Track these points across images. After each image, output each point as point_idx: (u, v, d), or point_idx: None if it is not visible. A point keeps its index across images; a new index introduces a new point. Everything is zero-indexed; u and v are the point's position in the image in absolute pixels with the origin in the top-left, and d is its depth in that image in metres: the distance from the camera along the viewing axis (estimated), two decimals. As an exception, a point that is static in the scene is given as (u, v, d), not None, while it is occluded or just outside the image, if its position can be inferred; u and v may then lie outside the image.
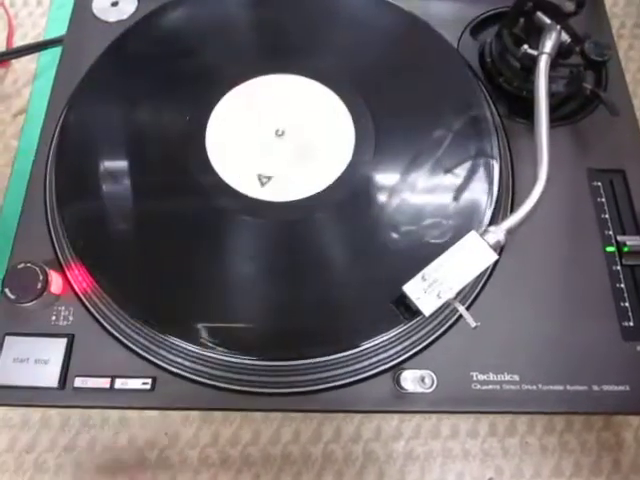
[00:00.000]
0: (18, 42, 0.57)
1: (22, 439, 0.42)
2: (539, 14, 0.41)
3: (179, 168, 0.40)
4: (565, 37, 0.40)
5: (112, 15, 0.48)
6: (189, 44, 0.45)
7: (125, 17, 0.48)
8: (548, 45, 0.39)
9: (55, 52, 0.53)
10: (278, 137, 0.41)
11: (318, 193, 0.39)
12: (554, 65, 0.40)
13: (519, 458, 0.43)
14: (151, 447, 0.41)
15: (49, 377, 0.34)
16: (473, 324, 0.32)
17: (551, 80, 0.39)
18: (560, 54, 0.40)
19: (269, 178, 0.39)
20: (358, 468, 0.42)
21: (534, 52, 0.40)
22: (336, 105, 0.42)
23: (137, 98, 0.43)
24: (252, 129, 0.41)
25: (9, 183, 0.50)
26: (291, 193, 0.39)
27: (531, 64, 0.40)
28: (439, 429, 0.43)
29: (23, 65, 0.56)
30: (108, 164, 0.40)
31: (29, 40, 0.57)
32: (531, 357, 0.36)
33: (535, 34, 0.41)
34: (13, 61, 0.56)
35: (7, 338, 0.35)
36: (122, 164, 0.40)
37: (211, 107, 0.42)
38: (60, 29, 0.55)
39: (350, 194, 0.39)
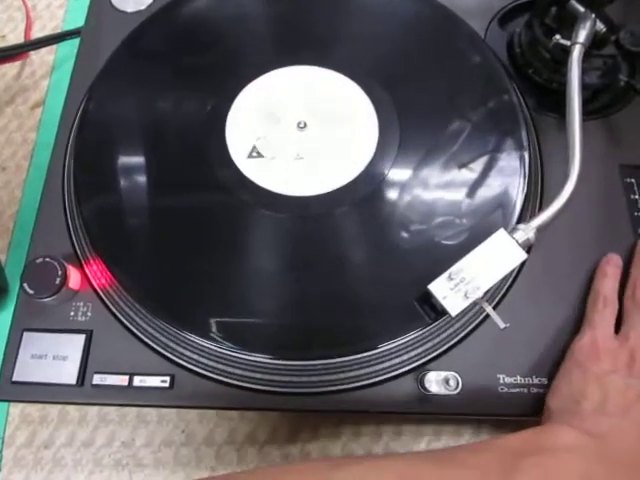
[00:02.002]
0: (36, 34, 0.57)
1: (41, 434, 0.42)
2: (572, 2, 0.39)
3: (199, 162, 0.39)
4: (600, 26, 0.38)
5: (130, 5, 0.48)
6: (209, 35, 0.45)
7: (143, 7, 0.47)
8: (582, 35, 0.37)
9: (73, 44, 0.52)
10: (300, 130, 0.40)
11: (340, 188, 0.38)
12: (587, 56, 0.39)
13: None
14: (168, 444, 0.41)
15: (67, 374, 0.34)
16: (502, 325, 0.31)
17: (583, 72, 0.38)
18: (594, 44, 0.39)
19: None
20: (378, 469, 0.41)
21: (566, 43, 0.38)
22: (359, 98, 0.41)
23: (156, 90, 0.42)
24: (273, 121, 0.40)
25: (27, 176, 0.50)
26: (312, 188, 0.38)
27: (563, 55, 0.39)
28: (460, 429, 0.42)
29: (41, 57, 0.56)
30: (127, 157, 0.40)
31: (47, 32, 0.57)
32: (560, 360, 0.35)
33: (567, 23, 0.39)
34: (31, 53, 0.56)
35: (25, 334, 0.35)
36: (141, 157, 0.40)
37: (232, 99, 0.41)
38: (78, 20, 0.54)
39: (373, 189, 0.38)
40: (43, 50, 0.55)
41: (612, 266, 0.37)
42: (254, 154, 0.39)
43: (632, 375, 0.32)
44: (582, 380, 0.32)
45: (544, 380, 0.35)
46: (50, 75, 0.55)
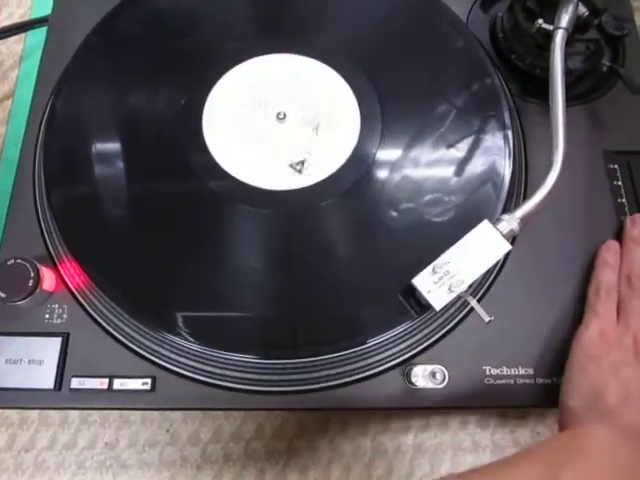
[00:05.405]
0: (3, 22, 0.54)
1: (21, 438, 0.41)
2: (554, -15, 0.38)
3: (175, 155, 0.38)
4: (582, 10, 0.38)
5: (100, -8, 0.45)
6: (183, 22, 0.43)
7: (114, -7, 0.45)
8: (565, 19, 0.37)
9: (43, 32, 0.50)
10: (279, 121, 0.39)
11: (322, 181, 0.37)
12: (569, 40, 0.38)
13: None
14: (152, 444, 0.40)
15: (44, 378, 0.33)
16: (487, 319, 0.31)
17: (566, 57, 0.37)
18: (577, 29, 0.38)
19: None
20: (367, 462, 0.41)
21: (549, 27, 0.38)
22: (340, 86, 0.40)
23: (129, 79, 0.41)
24: (252, 113, 0.39)
25: (-2, 172, 0.48)
26: (294, 181, 0.37)
27: (546, 40, 0.38)
28: (448, 421, 0.42)
29: (9, 47, 0.54)
30: (100, 151, 0.38)
31: (15, 20, 0.54)
32: (545, 350, 0.35)
33: (550, 7, 0.38)
34: (-2, 42, 0.53)
35: (-1, 338, 0.34)
36: (114, 151, 0.38)
37: (208, 89, 0.40)
38: (48, 7, 0.52)
39: (356, 181, 0.37)
40: (11, 39, 0.53)
41: (612, 254, 0.36)
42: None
43: (638, 361, 0.32)
44: (598, 374, 0.32)
45: (530, 370, 0.34)
46: (19, 65, 0.53)
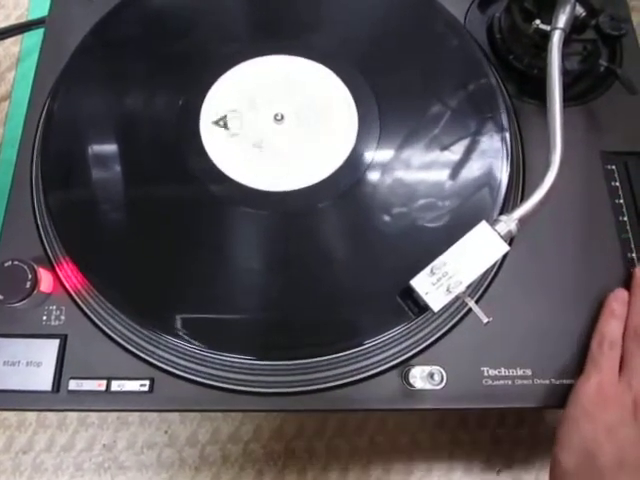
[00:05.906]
0: (0, 23, 0.54)
1: (19, 440, 0.41)
2: (552, -15, 0.38)
3: (173, 157, 0.38)
4: (579, 10, 0.38)
5: (97, -7, 0.45)
6: (180, 24, 0.43)
7: (111, -5, 0.45)
8: (562, 20, 0.37)
9: (40, 33, 0.50)
10: (277, 122, 0.39)
11: (320, 182, 0.37)
12: (567, 41, 0.38)
13: (528, 449, 0.42)
14: (151, 446, 0.40)
15: (42, 380, 0.33)
16: (485, 320, 0.31)
17: (564, 57, 0.37)
18: (574, 29, 0.38)
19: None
20: (364, 462, 0.41)
21: (546, 28, 0.37)
22: (337, 87, 0.40)
23: (126, 81, 0.41)
24: (249, 114, 0.39)
25: (-5, 174, 0.48)
26: (291, 182, 0.37)
27: (543, 41, 0.38)
28: (446, 420, 0.42)
29: (6, 48, 0.54)
30: (97, 153, 0.38)
31: (11, 21, 0.55)
32: (543, 351, 0.35)
33: (547, 7, 0.38)
34: (-5, 44, 0.53)
35: (-4, 340, 0.34)
36: (112, 153, 0.38)
37: (205, 91, 0.40)
38: (45, 8, 0.52)
39: (354, 182, 0.37)
40: (8, 41, 0.53)
41: (620, 304, 0.34)
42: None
43: (638, 423, 0.31)
44: (593, 432, 0.30)
45: (528, 371, 0.34)
46: (16, 67, 0.53)
